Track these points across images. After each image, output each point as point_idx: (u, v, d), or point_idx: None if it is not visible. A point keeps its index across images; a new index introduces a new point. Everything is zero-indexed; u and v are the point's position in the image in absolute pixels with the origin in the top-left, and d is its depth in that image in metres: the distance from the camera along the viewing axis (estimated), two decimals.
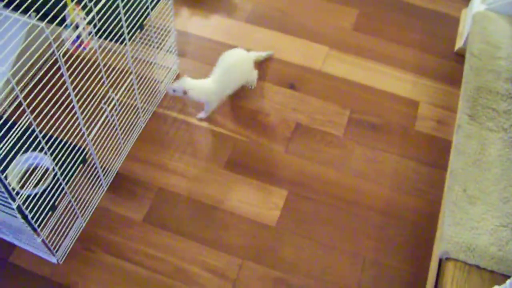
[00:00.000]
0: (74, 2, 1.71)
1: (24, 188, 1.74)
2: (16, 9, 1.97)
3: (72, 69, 1.73)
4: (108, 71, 2.29)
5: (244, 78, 2.46)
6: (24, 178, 1.96)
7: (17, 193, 1.67)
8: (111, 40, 1.99)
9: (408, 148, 2.39)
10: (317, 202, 2.22)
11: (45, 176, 1.85)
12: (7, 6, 2.02)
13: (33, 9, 1.95)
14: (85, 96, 2.27)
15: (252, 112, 2.49)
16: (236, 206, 2.20)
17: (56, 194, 1.81)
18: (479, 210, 1.92)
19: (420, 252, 2.13)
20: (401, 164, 2.34)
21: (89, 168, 2.22)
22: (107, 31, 1.98)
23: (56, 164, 1.81)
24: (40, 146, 1.85)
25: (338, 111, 2.50)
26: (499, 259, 1.80)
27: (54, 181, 1.83)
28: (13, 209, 1.65)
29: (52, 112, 1.72)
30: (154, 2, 2.16)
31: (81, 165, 1.91)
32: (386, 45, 2.79)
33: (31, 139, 1.83)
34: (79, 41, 1.86)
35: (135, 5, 2.11)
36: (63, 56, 1.53)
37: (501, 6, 2.57)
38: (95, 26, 1.84)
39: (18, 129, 1.71)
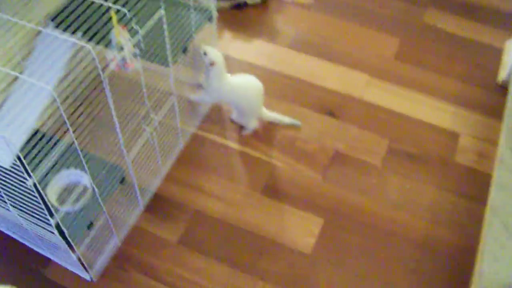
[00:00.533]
0: (120, 24, 1.74)
1: (63, 204, 1.76)
2: (64, 28, 2.01)
3: (114, 88, 1.76)
4: (150, 92, 2.31)
5: (254, 109, 2.46)
6: (63, 195, 1.98)
7: (56, 210, 1.69)
8: (155, 62, 2.02)
9: (446, 180, 2.36)
10: (353, 231, 2.21)
11: (84, 194, 1.87)
12: (57, 26, 2.07)
13: (80, 29, 1.99)
14: (126, 116, 2.29)
15: (291, 138, 2.48)
16: (271, 232, 2.19)
17: (94, 212, 1.83)
18: None
19: (456, 287, 2.09)
20: (439, 196, 2.31)
21: (127, 187, 2.24)
22: (151, 53, 2.01)
23: (95, 183, 1.83)
24: (81, 164, 1.88)
25: (377, 140, 2.49)
26: None
27: (92, 199, 1.85)
28: (51, 225, 1.67)
29: (93, 130, 1.75)
30: (198, 25, 2.18)
31: (119, 185, 1.92)
32: (428, 75, 2.77)
33: (72, 156, 1.86)
34: (123, 62, 1.89)
35: (179, 28, 2.13)
36: (107, 75, 1.55)
37: None
38: (140, 48, 1.87)
39: (60, 146, 1.74)
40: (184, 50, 2.10)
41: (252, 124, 2.46)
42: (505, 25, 3.05)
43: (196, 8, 2.22)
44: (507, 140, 2.19)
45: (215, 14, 2.26)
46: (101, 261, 2.08)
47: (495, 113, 2.60)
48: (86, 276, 2.03)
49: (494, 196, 2.03)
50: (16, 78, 1.96)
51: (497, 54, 2.89)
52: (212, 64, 2.22)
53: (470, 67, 2.82)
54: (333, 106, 2.62)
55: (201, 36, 2.37)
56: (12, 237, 2.15)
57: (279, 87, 2.69)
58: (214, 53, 2.22)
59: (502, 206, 1.99)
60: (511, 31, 2.99)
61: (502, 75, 2.72)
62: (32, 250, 2.12)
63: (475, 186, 2.35)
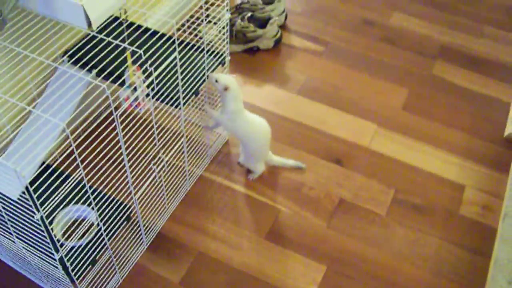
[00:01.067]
0: (135, 65, 1.77)
1: (68, 240, 1.77)
2: (80, 67, 2.05)
3: (125, 126, 1.78)
4: (160, 132, 2.34)
5: (262, 150, 2.47)
6: (69, 230, 2.00)
7: (61, 244, 1.70)
8: (166, 103, 2.05)
9: (451, 232, 2.36)
10: (355, 280, 2.20)
11: (90, 230, 1.88)
12: (73, 62, 2.11)
13: (96, 68, 2.03)
14: (135, 155, 2.31)
15: (297, 184, 2.50)
16: (274, 277, 2.19)
17: (98, 249, 1.84)
18: None
19: None
20: (443, 248, 2.31)
21: (132, 225, 2.25)
22: (164, 94, 2.05)
23: (101, 219, 1.84)
24: (88, 200, 1.89)
25: (383, 190, 2.50)
26: None
27: (97, 235, 1.86)
28: (55, 260, 1.68)
29: (102, 167, 1.76)
30: (211, 69, 2.22)
31: (125, 222, 1.93)
32: (435, 127, 2.80)
33: (80, 192, 1.87)
34: (136, 102, 1.92)
35: (192, 71, 2.17)
36: (119, 114, 1.58)
37: None
38: (152, 89, 1.90)
39: (69, 182, 1.76)
40: (196, 93, 2.13)
41: (260, 168, 2.48)
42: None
43: (210, 51, 2.26)
44: (507, 191, 2.20)
45: (228, 58, 2.30)
46: None
47: (501, 166, 2.62)
48: None
49: (498, 250, 2.04)
50: (29, 112, 2.00)
51: (505, 108, 2.92)
52: (226, 89, 2.22)
53: (478, 120, 2.85)
54: (340, 154, 2.64)
55: None
56: (14, 269, 2.16)
57: (287, 133, 2.71)
58: (226, 78, 2.23)
59: (506, 261, 1.99)
60: None
61: (509, 129, 2.74)
62: (33, 284, 2.12)
63: (479, 239, 2.35)
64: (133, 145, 2.33)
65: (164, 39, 2.22)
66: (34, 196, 1.41)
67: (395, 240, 2.33)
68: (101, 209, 1.88)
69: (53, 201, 1.57)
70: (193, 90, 2.12)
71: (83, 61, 1.82)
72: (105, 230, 1.85)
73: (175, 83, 2.04)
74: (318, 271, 2.22)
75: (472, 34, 3.39)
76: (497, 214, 2.43)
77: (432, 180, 2.56)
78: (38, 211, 1.45)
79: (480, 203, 2.47)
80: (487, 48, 3.29)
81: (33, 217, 1.52)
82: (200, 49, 2.20)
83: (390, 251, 2.29)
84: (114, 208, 1.91)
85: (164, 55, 2.15)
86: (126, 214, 1.93)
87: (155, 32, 2.27)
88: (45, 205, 1.51)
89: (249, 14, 3.13)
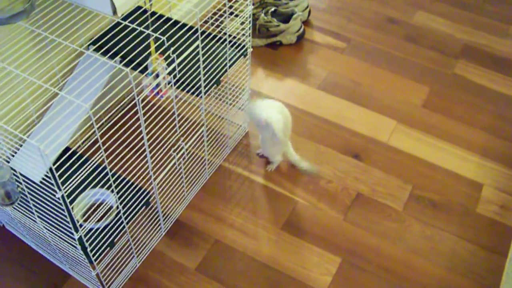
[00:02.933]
0: (158, 52, 1.80)
1: (87, 221, 1.80)
2: (104, 53, 2.09)
3: (147, 114, 1.82)
4: (181, 121, 2.37)
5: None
6: (89, 212, 2.04)
7: (80, 225, 1.74)
8: (187, 91, 2.08)
9: (467, 229, 2.37)
10: (369, 273, 2.22)
11: (109, 213, 1.92)
12: (97, 50, 2.15)
13: (119, 55, 2.07)
14: (156, 142, 2.35)
15: (315, 176, 2.52)
16: (288, 268, 2.21)
17: (117, 232, 1.87)
18: None
19: None
20: (458, 245, 2.31)
21: (150, 211, 2.28)
22: (185, 83, 2.08)
23: (121, 203, 1.88)
24: (108, 184, 1.93)
25: (400, 185, 2.51)
26: None
27: (116, 219, 1.89)
28: (74, 239, 1.72)
29: (123, 153, 1.80)
30: (233, 60, 2.24)
31: (143, 207, 1.97)
32: (454, 125, 2.80)
33: (100, 175, 1.91)
34: (157, 89, 1.95)
35: (214, 61, 2.20)
36: (141, 100, 1.61)
37: None
38: (174, 76, 1.93)
39: (90, 165, 1.79)
40: (217, 83, 2.16)
41: (277, 159, 2.50)
42: None
43: (232, 43, 2.29)
44: None
45: (250, 50, 2.33)
46: (119, 280, 2.11)
47: None
48: None
49: None
50: (55, 95, 2.04)
51: None
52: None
53: (498, 120, 2.84)
54: (358, 148, 2.65)
55: (235, 70, 2.44)
56: (35, 250, 2.20)
57: (307, 127, 2.73)
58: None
59: None
60: None
61: None
62: (52, 265, 2.17)
63: (495, 238, 2.35)
64: (153, 131, 2.36)
65: (187, 28, 2.25)
66: (56, 175, 1.45)
67: (410, 236, 2.34)
68: (121, 193, 1.91)
69: (74, 182, 1.60)
70: (214, 80, 2.15)
71: (107, 48, 1.85)
72: (124, 214, 1.89)
73: (196, 72, 2.07)
74: (333, 263, 2.24)
75: (496, 34, 3.38)
76: None
77: (449, 177, 2.57)
78: (60, 189, 1.49)
79: (497, 202, 2.47)
80: (510, 48, 3.28)
81: (54, 196, 1.56)
82: (222, 40, 2.23)
83: (405, 246, 2.30)
84: (133, 192, 1.95)
85: (187, 44, 2.18)
86: (145, 199, 1.96)
87: (178, 22, 2.30)
88: (66, 184, 1.55)
89: (273, 9, 3.15)
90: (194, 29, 2.23)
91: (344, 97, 2.91)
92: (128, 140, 1.81)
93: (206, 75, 2.14)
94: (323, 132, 2.71)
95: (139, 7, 2.33)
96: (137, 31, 1.84)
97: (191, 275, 2.17)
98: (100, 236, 1.84)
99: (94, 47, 2.16)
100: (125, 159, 1.79)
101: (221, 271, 2.19)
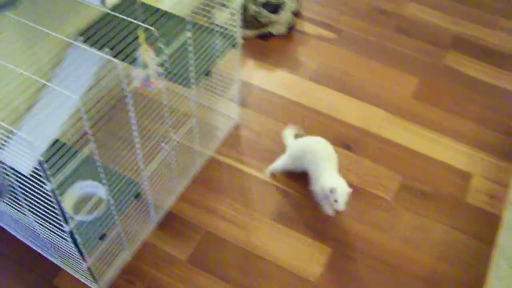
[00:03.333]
0: (147, 43, 1.79)
1: (78, 214, 1.80)
2: (93, 44, 2.08)
3: (138, 106, 1.81)
4: (171, 112, 2.37)
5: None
6: (79, 205, 2.03)
7: (71, 217, 1.73)
8: (177, 82, 2.08)
9: (457, 219, 2.38)
10: (360, 262, 2.22)
11: (99, 205, 1.91)
12: (86, 41, 2.14)
13: (108, 46, 2.06)
14: (146, 133, 2.34)
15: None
16: (279, 258, 2.22)
17: (107, 224, 1.87)
18: None
19: None
20: (448, 235, 2.32)
21: (141, 203, 2.28)
22: (175, 74, 2.07)
23: (111, 195, 1.88)
24: (97, 176, 1.92)
25: (390, 176, 2.52)
26: None
27: (106, 211, 1.89)
28: (65, 232, 1.71)
29: (113, 145, 1.79)
30: (222, 51, 2.24)
31: (134, 199, 1.96)
32: (444, 115, 2.81)
33: (90, 168, 1.90)
34: (148, 80, 1.94)
35: (204, 52, 2.20)
36: (130, 91, 1.60)
37: None
38: (164, 67, 1.92)
39: (80, 157, 1.79)
40: (207, 73, 2.15)
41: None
42: None
43: (222, 34, 2.28)
44: None
45: (239, 41, 2.32)
46: (110, 273, 2.11)
47: (509, 156, 2.63)
48: (94, 287, 2.07)
49: (503, 237, 2.05)
50: (43, 86, 2.03)
51: None
52: (332, 191, 2.22)
53: (487, 111, 2.85)
54: (349, 139, 2.66)
55: (225, 61, 2.43)
56: (26, 244, 2.20)
57: (298, 117, 2.73)
58: (341, 187, 2.23)
59: (509, 248, 2.01)
60: None
61: None
62: (43, 258, 2.16)
63: (484, 227, 2.36)
64: (143, 123, 2.35)
65: (177, 19, 2.24)
66: (46, 167, 1.44)
67: (401, 225, 2.35)
68: (111, 186, 1.91)
69: (64, 174, 1.60)
70: (204, 70, 2.14)
71: (96, 39, 1.84)
72: (114, 206, 1.88)
73: (187, 63, 2.06)
74: (323, 253, 2.24)
75: (487, 25, 3.39)
76: (503, 202, 2.44)
77: (439, 167, 2.57)
78: (49, 182, 1.48)
79: (486, 192, 2.48)
80: (501, 40, 3.29)
81: (44, 188, 1.55)
82: (212, 31, 2.22)
83: (396, 235, 2.31)
84: (123, 185, 1.94)
85: (176, 35, 2.17)
86: (136, 191, 1.96)
87: (168, 13, 2.30)
88: (56, 176, 1.54)
89: (263, 0, 3.15)
90: (184, 21, 2.22)
91: (335, 88, 2.91)
92: (118, 132, 1.80)
93: (196, 66, 2.13)
94: (314, 123, 2.72)
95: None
96: (127, 22, 1.83)
97: (182, 266, 2.17)
98: (91, 229, 1.84)
99: (83, 38, 2.15)
100: (115, 151, 1.78)
101: (212, 262, 2.19)
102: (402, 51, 3.18)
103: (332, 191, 2.18)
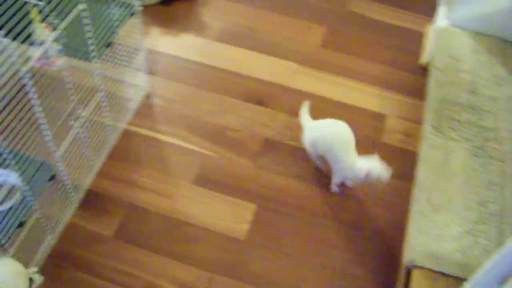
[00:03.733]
0: (41, 20, 1.73)
1: None
2: None
3: (40, 86, 1.75)
4: (77, 89, 2.31)
5: None
6: None
7: None
8: (78, 57, 2.02)
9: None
10: (285, 215, 2.25)
11: (13, 193, 1.86)
12: None
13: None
14: (53, 113, 2.28)
15: (221, 128, 2.51)
16: (205, 221, 2.22)
17: (24, 211, 1.82)
18: (443, 218, 1.96)
19: (389, 262, 2.16)
20: None
21: (59, 185, 2.23)
22: (74, 49, 2.01)
23: (24, 181, 1.82)
24: (7, 163, 1.86)
25: None
26: (463, 265, 1.84)
27: (22, 198, 1.84)
28: None
29: (19, 129, 1.73)
30: (121, 20, 2.19)
31: (49, 182, 1.92)
32: (354, 61, 2.84)
33: None
34: (46, 58, 1.88)
35: (101, 23, 2.14)
36: (32, 73, 1.55)
37: (464, 22, 2.64)
38: (61, 42, 1.87)
39: None
40: (108, 45, 2.10)
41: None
42: (425, 11, 3.15)
43: (119, 2, 2.23)
44: (428, 118, 2.27)
45: (138, 9, 2.27)
46: (37, 259, 2.07)
47: (419, 94, 2.69)
48: None
49: (419, 171, 2.11)
50: None
51: (419, 38, 2.99)
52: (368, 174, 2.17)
53: (394, 52, 2.91)
54: (262, 95, 2.66)
55: (127, 31, 2.38)
56: None
57: (209, 79, 2.71)
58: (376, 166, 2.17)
59: (426, 181, 2.07)
60: (430, 16, 3.07)
61: (423, 57, 2.81)
62: None
63: (403, 165, 2.42)
64: (49, 103, 2.29)
65: None
66: None
67: (322, 173, 2.38)
68: (22, 171, 1.85)
69: None
70: (104, 42, 2.09)
71: None
72: (29, 192, 1.83)
73: (84, 37, 2.00)
74: (248, 210, 2.26)
75: None
76: (418, 139, 2.50)
77: (354, 112, 2.61)
78: None
79: (401, 130, 2.54)
80: None
81: None
82: (107, 1, 2.16)
83: (314, 183, 2.34)
84: (36, 168, 1.89)
85: (71, 8, 2.10)
86: (50, 174, 1.91)
87: None
88: None
89: None
90: None
91: (242, 45, 2.90)
92: (23, 115, 1.74)
93: (96, 39, 2.07)
94: (225, 82, 2.70)
95: None
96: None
97: (110, 243, 2.15)
98: (7, 218, 1.79)
99: None
100: (23, 135, 1.73)
101: (140, 234, 2.17)
102: (306, 2, 3.19)
103: (370, 173, 2.15)
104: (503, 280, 1.31)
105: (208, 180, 2.34)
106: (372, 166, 2.15)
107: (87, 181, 2.30)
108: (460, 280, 1.82)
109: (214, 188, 2.32)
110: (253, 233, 2.19)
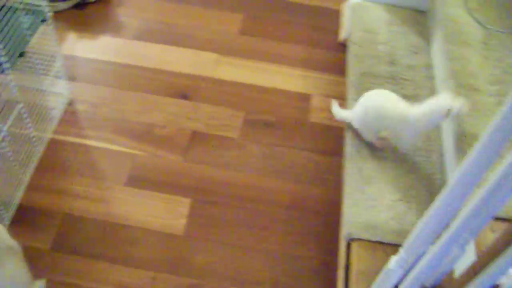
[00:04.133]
0: None
1: None
2: None
3: None
4: None
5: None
6: None
7: None
8: None
9: (304, 140, 2.46)
10: (222, 205, 2.26)
11: None
12: None
13: None
14: None
15: (148, 125, 2.50)
16: (141, 221, 2.20)
17: None
18: (375, 189, 2.01)
19: (330, 238, 2.19)
20: (299, 157, 2.40)
21: None
22: None
23: None
24: None
25: (233, 114, 2.55)
26: (398, 232, 1.88)
27: None
28: None
29: None
30: (33, 28, 2.14)
31: None
32: (274, 45, 2.86)
33: None
34: None
35: (12, 32, 2.09)
36: None
37: None
38: None
39: None
40: (21, 55, 2.06)
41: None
42: None
43: (28, 10, 2.18)
44: (351, 93, 2.31)
45: (48, 15, 2.23)
46: None
47: (341, 70, 2.74)
48: None
49: (347, 145, 2.15)
50: None
51: (336, 15, 3.03)
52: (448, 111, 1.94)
53: (313, 31, 2.94)
54: (185, 88, 2.65)
55: (41, 38, 2.33)
56: None
57: (131, 79, 2.69)
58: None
59: (355, 154, 2.11)
60: None
61: (342, 34, 2.86)
62: None
63: (333, 142, 2.46)
64: None
65: None
66: None
67: (252, 159, 2.39)
68: None
69: None
70: (16, 52, 2.04)
71: None
72: None
73: None
74: (184, 205, 2.25)
75: None
76: None
77: (279, 95, 2.63)
78: None
79: (327, 108, 2.57)
80: None
81: None
82: (15, 9, 2.11)
83: (250, 170, 2.36)
84: None
85: None
86: None
87: None
88: None
89: None
90: None
91: (161, 41, 2.88)
92: None
93: (6, 50, 2.02)
94: (147, 80, 2.68)
95: None
96: None
97: (48, 256, 2.11)
98: None
99: None
100: None
101: (77, 243, 2.14)
102: None
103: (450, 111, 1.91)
104: (434, 240, 1.34)
105: (140, 180, 2.32)
106: (442, 104, 1.94)
107: (17, 196, 2.25)
108: (398, 246, 1.87)
109: (147, 187, 2.30)
110: (191, 227, 2.19)
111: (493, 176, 1.06)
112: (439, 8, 2.49)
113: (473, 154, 1.10)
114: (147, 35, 2.91)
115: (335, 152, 2.41)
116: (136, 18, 3.01)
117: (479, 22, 2.39)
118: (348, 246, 1.95)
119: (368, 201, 1.97)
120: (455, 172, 1.27)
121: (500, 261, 1.16)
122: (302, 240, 2.19)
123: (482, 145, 1.08)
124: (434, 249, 1.32)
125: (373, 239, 1.88)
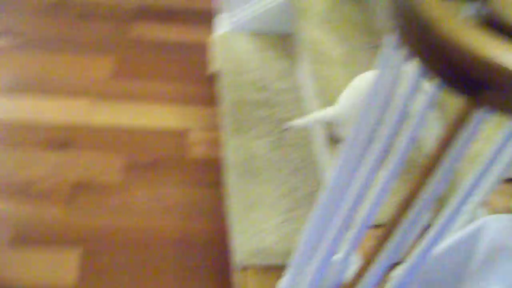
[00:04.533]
0: None
1: None
2: None
3: None
4: None
5: None
6: None
7: None
8: None
9: (187, 176, 2.47)
10: (111, 253, 2.22)
11: None
12: None
13: None
14: None
15: (27, 182, 2.42)
16: (31, 283, 2.13)
17: None
18: (259, 214, 2.04)
19: (223, 268, 2.20)
20: (183, 194, 2.40)
21: None
22: None
23: None
24: None
25: (113, 160, 2.52)
26: (287, 253, 1.92)
27: None
28: None
29: None
30: None
31: None
32: (148, 85, 2.87)
33: None
34: None
35: None
36: None
37: (244, 24, 2.76)
38: None
39: None
40: None
41: None
42: (206, 23, 3.24)
43: None
44: (226, 123, 2.36)
45: None
46: None
47: (212, 101, 2.77)
48: None
49: (228, 175, 2.18)
50: None
51: (205, 49, 3.08)
52: None
53: (184, 67, 2.97)
54: (62, 139, 2.60)
55: None
56: None
57: (3, 136, 2.61)
58: None
59: (236, 182, 2.14)
60: (211, 28, 3.16)
61: (212, 66, 2.91)
62: None
63: (214, 173, 2.48)
64: None
65: None
66: None
67: (137, 203, 2.38)
68: None
69: None
70: None
71: None
72: None
73: None
74: (72, 260, 2.19)
75: None
76: (220, 145, 2.57)
77: (157, 135, 2.64)
78: None
79: (205, 141, 2.61)
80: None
81: None
82: None
83: (136, 213, 2.34)
84: None
85: None
86: None
87: None
88: None
89: None
90: None
91: (31, 94, 2.82)
92: None
93: None
94: (21, 135, 2.61)
95: None
96: None
97: None
98: None
99: None
100: None
101: None
102: (90, 36, 3.16)
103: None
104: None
105: (25, 240, 2.25)
106: None
107: None
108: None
109: (33, 245, 2.23)
110: (83, 280, 2.14)
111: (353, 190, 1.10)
112: (301, 31, 2.58)
113: (335, 169, 1.15)
114: (14, 88, 2.83)
115: (217, 183, 2.43)
116: (7, 72, 2.93)
117: (340, 40, 2.49)
118: (242, 273, 1.97)
119: (253, 227, 2.00)
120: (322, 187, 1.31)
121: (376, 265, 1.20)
122: (198, 274, 2.18)
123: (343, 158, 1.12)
124: (314, 264, 1.35)
125: (264, 263, 1.92)
